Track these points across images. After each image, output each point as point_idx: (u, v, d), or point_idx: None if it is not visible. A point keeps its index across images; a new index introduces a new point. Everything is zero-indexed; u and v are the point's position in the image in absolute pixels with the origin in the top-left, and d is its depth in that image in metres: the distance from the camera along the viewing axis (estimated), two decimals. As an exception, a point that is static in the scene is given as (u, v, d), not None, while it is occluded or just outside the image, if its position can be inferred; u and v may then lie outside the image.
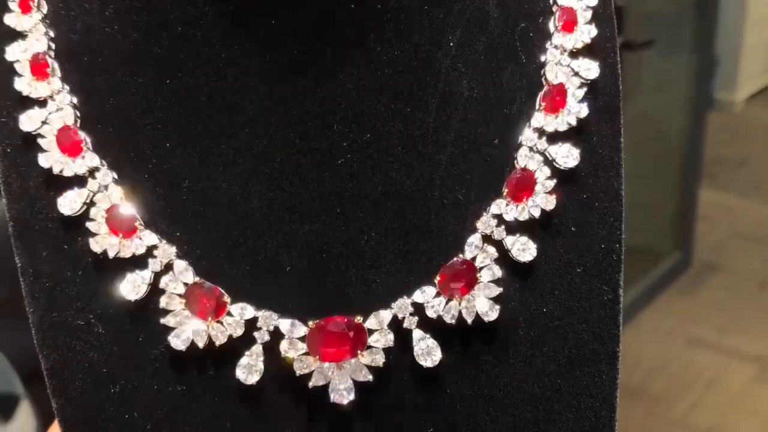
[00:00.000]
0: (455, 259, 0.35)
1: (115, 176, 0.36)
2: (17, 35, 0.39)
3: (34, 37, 0.39)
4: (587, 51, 0.39)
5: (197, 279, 0.35)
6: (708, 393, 2.26)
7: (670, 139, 2.86)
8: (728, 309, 2.67)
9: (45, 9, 0.39)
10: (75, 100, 0.37)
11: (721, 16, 3.28)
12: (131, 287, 0.35)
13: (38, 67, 0.38)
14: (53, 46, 0.38)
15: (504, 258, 0.36)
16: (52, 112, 0.37)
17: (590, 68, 0.38)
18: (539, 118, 0.37)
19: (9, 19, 0.40)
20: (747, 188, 3.64)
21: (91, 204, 0.36)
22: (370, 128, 0.36)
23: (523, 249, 0.36)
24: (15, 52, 0.39)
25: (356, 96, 0.36)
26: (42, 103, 0.38)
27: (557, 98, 0.37)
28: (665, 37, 2.65)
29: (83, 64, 0.38)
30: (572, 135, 0.37)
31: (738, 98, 4.83)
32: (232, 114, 0.36)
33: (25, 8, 0.39)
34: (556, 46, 0.39)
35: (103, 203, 0.36)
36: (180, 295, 0.35)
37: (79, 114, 0.37)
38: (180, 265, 0.35)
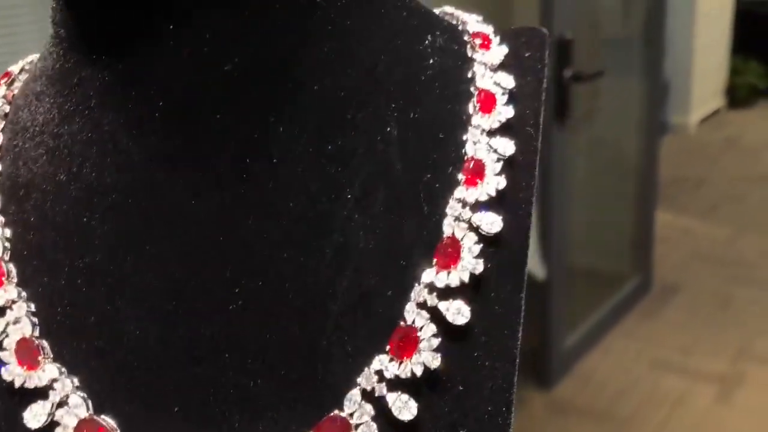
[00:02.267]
0: (331, 414, 0.35)
1: (31, 309, 0.38)
2: None
3: None
4: (495, 202, 0.38)
5: (88, 414, 0.36)
6: (674, 414, 2.27)
7: (625, 163, 2.91)
8: (690, 330, 2.70)
9: (0, 141, 0.42)
10: (8, 233, 0.40)
11: (670, 42, 3.36)
12: (33, 416, 0.36)
13: None
14: (7, 183, 0.41)
15: (384, 415, 0.35)
16: None
17: (493, 222, 0.37)
18: (430, 274, 0.36)
19: None
20: (704, 209, 3.71)
21: (4, 335, 0.37)
22: (263, 277, 0.36)
23: (403, 408, 0.34)
24: None
25: (252, 245, 0.37)
26: None
27: (452, 253, 0.37)
28: (616, 64, 2.70)
29: (19, 197, 0.40)
30: (466, 291, 0.36)
31: (692, 121, 4.93)
32: (138, 256, 0.38)
33: None
34: (458, 200, 0.38)
35: (15, 335, 0.37)
36: (72, 428, 0.36)
37: (7, 246, 0.39)
38: (75, 399, 0.36)
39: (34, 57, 0.46)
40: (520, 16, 2.60)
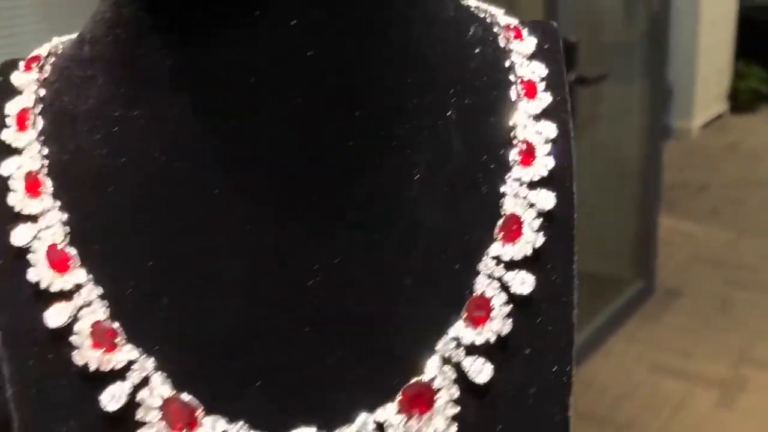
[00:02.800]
0: (415, 379, 0.37)
1: (100, 292, 0.38)
2: (12, 151, 0.41)
3: (29, 154, 0.41)
4: (545, 182, 0.41)
5: (173, 393, 0.36)
6: (675, 418, 2.27)
7: (628, 167, 2.91)
8: (692, 334, 2.70)
9: (40, 126, 0.42)
10: (65, 218, 0.39)
11: (674, 46, 3.36)
12: (111, 398, 0.36)
13: (31, 185, 0.40)
14: (46, 163, 0.41)
15: (462, 379, 0.37)
16: (42, 228, 0.39)
17: (546, 199, 0.41)
18: (497, 247, 0.39)
19: (5, 135, 0.42)
20: (706, 213, 3.71)
21: (75, 318, 0.37)
22: (339, 254, 0.38)
23: (480, 371, 0.37)
24: (9, 168, 0.41)
25: (327, 225, 0.39)
26: (33, 219, 0.39)
27: (514, 228, 0.40)
28: (619, 68, 2.70)
29: (73, 182, 0.40)
30: (528, 262, 0.39)
31: (694, 125, 4.92)
32: (211, 237, 0.38)
33: (21, 125, 0.42)
34: (514, 179, 0.41)
35: (87, 318, 0.37)
36: (156, 408, 0.36)
37: (68, 230, 0.39)
38: (157, 379, 0.36)
39: (58, 41, 0.46)
40: (524, 18, 2.59)
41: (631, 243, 2.96)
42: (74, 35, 0.45)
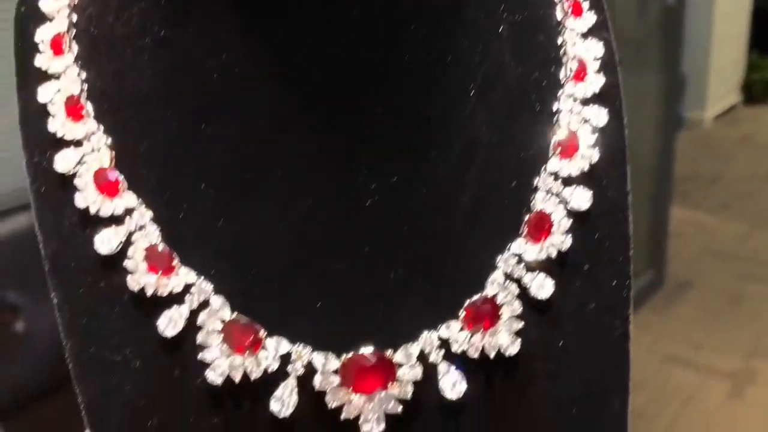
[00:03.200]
0: (478, 296, 0.37)
1: (152, 215, 0.37)
2: (48, 76, 0.40)
3: (68, 78, 0.39)
4: (597, 99, 0.41)
5: (234, 315, 0.35)
6: (685, 410, 2.27)
7: (641, 158, 2.89)
8: (703, 326, 2.69)
9: (75, 51, 0.40)
10: (109, 141, 0.38)
11: (688, 36, 3.33)
12: (168, 323, 0.35)
13: (73, 109, 0.38)
14: (86, 87, 0.39)
15: (523, 294, 0.37)
16: (87, 153, 0.38)
17: (600, 115, 0.41)
18: (555, 163, 0.39)
19: (39, 61, 0.40)
20: (718, 205, 3.69)
21: (127, 242, 0.36)
22: (398, 173, 0.38)
23: (541, 286, 0.37)
24: (47, 93, 0.39)
25: (384, 142, 0.38)
26: (77, 143, 0.38)
27: (572, 144, 0.40)
28: (633, 59, 2.69)
29: (116, 105, 0.39)
30: (584, 178, 0.40)
31: (707, 117, 4.90)
32: (264, 156, 0.37)
33: (57, 50, 0.40)
34: (568, 95, 0.41)
35: (142, 242, 0.36)
36: (217, 331, 0.35)
37: (113, 154, 0.38)
38: (216, 302, 0.36)
39: None
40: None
41: (643, 234, 2.95)
42: None
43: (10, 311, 1.38)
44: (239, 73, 0.38)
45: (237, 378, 0.35)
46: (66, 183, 0.38)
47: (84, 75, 0.39)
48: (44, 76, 0.40)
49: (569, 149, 0.40)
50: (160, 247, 0.36)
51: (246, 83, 0.37)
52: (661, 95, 2.80)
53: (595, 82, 0.42)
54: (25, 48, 0.41)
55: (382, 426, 0.35)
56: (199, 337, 0.35)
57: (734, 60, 5.16)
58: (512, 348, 0.36)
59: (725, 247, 3.27)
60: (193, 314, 0.36)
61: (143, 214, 0.37)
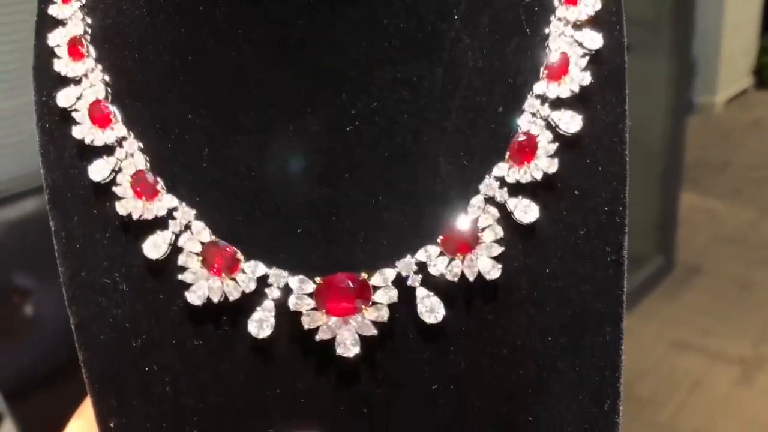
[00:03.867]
0: (458, 218, 0.36)
1: (141, 145, 0.38)
2: (59, 23, 0.42)
3: (73, 23, 0.42)
4: (591, 23, 0.40)
5: (213, 238, 0.37)
6: (693, 396, 2.27)
7: (651, 143, 2.88)
8: (711, 312, 2.68)
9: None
10: (107, 78, 0.40)
11: (699, 20, 3.31)
12: (153, 246, 0.37)
13: (74, 49, 0.41)
14: (89, 30, 0.41)
15: (507, 219, 0.37)
16: (86, 88, 0.40)
17: (594, 39, 0.40)
18: (542, 86, 0.38)
19: (52, 10, 0.43)
20: (728, 191, 3.67)
21: (118, 171, 0.38)
22: (378, 97, 0.37)
23: (525, 210, 0.37)
24: (56, 38, 0.42)
25: (364, 67, 0.38)
26: (77, 81, 0.40)
27: (560, 67, 0.39)
28: (644, 42, 2.67)
29: (115, 45, 0.41)
30: (575, 103, 0.38)
31: (718, 101, 4.87)
32: (248, 87, 0.38)
33: None
34: (560, 19, 0.40)
35: (129, 169, 0.38)
36: (197, 254, 0.37)
37: (110, 90, 0.40)
38: (198, 225, 0.37)
39: None
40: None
41: (652, 219, 2.94)
42: None
43: (20, 295, 1.38)
44: (224, 9, 0.38)
45: (215, 299, 0.36)
46: (67, 118, 0.40)
47: (89, 20, 0.42)
48: (55, 22, 0.42)
49: (557, 71, 0.39)
50: (145, 173, 0.38)
51: (229, 13, 0.38)
52: (671, 80, 2.78)
53: (591, 5, 0.40)
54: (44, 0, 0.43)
55: (357, 349, 0.35)
56: (180, 259, 0.37)
57: (746, 44, 5.12)
58: (493, 272, 0.36)
59: (735, 234, 3.26)
60: (177, 238, 0.37)
61: (132, 143, 0.39)
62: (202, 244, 0.37)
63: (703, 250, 3.12)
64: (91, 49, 0.41)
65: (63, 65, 0.41)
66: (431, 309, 0.36)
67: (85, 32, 0.41)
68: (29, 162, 1.63)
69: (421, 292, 0.36)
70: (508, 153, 0.37)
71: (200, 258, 0.37)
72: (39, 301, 1.39)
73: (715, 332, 2.56)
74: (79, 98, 0.40)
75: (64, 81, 0.41)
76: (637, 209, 2.93)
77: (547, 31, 0.40)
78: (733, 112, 4.84)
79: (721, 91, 4.89)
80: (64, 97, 0.40)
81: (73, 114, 0.40)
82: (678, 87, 2.81)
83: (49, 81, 0.41)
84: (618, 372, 0.38)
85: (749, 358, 2.43)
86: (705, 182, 3.73)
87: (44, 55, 0.42)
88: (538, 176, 0.37)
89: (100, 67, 0.40)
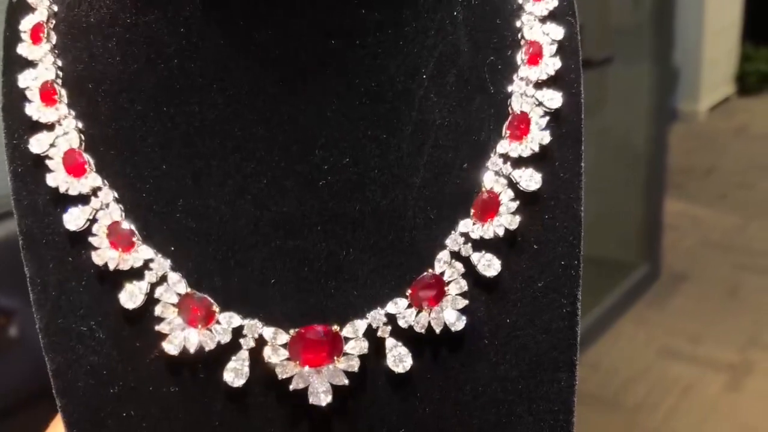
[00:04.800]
0: (425, 273, 0.38)
1: (116, 195, 0.39)
2: (28, 63, 0.42)
3: (44, 66, 0.42)
4: (552, 82, 0.42)
5: (189, 290, 0.38)
6: (683, 402, 2.27)
7: (634, 150, 2.89)
8: (699, 318, 2.69)
9: (54, 40, 0.43)
10: (80, 125, 0.40)
11: (681, 28, 3.33)
12: (129, 297, 0.38)
13: (47, 94, 0.41)
14: (60, 74, 0.42)
15: (471, 273, 0.39)
16: (59, 135, 0.40)
17: (553, 98, 0.41)
18: (504, 145, 0.40)
19: (21, 49, 0.43)
20: (713, 197, 3.69)
21: (93, 220, 0.39)
22: (349, 153, 0.39)
23: (488, 264, 0.39)
24: (26, 80, 0.42)
25: (336, 123, 0.39)
26: (50, 127, 0.41)
27: (521, 126, 0.41)
28: (625, 51, 2.68)
29: (88, 91, 0.41)
30: (535, 160, 0.40)
31: (701, 108, 4.90)
32: (223, 139, 0.39)
33: (36, 39, 0.43)
34: (521, 78, 0.42)
35: (105, 220, 0.39)
36: (173, 305, 0.38)
37: (83, 138, 0.40)
38: (173, 277, 0.38)
39: None
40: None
41: (637, 226, 2.95)
42: None
43: (3, 315, 1.37)
44: (199, 56, 0.40)
45: (192, 349, 0.37)
46: (39, 164, 0.40)
47: (60, 62, 0.42)
48: (25, 63, 0.42)
49: (519, 131, 0.40)
50: (121, 224, 0.39)
51: (205, 67, 0.40)
52: (653, 87, 2.80)
53: (552, 65, 0.42)
54: (11, 37, 0.44)
55: (329, 398, 0.37)
56: (157, 310, 0.38)
57: (727, 51, 5.15)
58: (458, 324, 0.38)
59: (721, 239, 3.27)
60: (153, 288, 0.38)
61: (108, 193, 0.39)
62: (179, 295, 0.38)
63: (689, 256, 3.13)
64: (63, 94, 0.41)
65: (35, 110, 0.41)
66: (400, 359, 0.37)
67: (57, 76, 0.42)
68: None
69: (390, 342, 0.38)
70: (472, 210, 0.39)
71: (176, 309, 0.38)
72: (24, 323, 1.38)
73: (703, 338, 2.57)
74: (52, 145, 0.40)
75: (36, 126, 0.41)
76: (621, 217, 2.94)
77: (509, 89, 0.41)
78: (716, 119, 4.87)
79: (704, 98, 4.92)
80: (36, 143, 0.40)
81: (47, 161, 0.40)
82: (660, 94, 2.83)
83: (20, 124, 0.41)
84: (572, 415, 0.40)
85: (737, 363, 2.43)
86: (690, 188, 3.75)
87: (14, 96, 0.42)
88: (501, 232, 0.39)
89: (73, 113, 0.41)
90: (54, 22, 0.43)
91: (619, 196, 2.86)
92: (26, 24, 0.44)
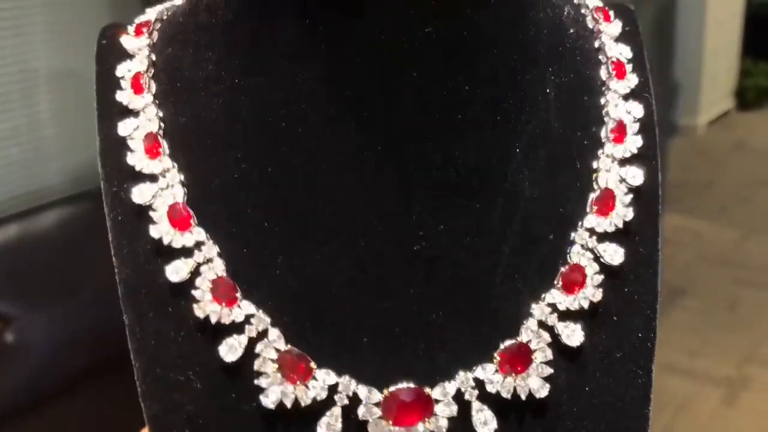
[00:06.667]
0: (513, 341, 0.40)
1: (219, 250, 0.40)
2: (128, 112, 0.44)
3: (146, 116, 0.43)
4: (634, 159, 0.44)
5: (288, 346, 0.39)
6: (680, 416, 2.27)
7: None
8: (698, 332, 2.69)
9: (153, 89, 0.44)
10: (183, 178, 0.42)
11: (681, 43, 3.34)
12: (229, 349, 0.39)
13: (151, 147, 0.42)
14: (162, 125, 0.43)
15: (555, 341, 0.40)
16: (162, 188, 0.41)
17: (636, 176, 0.44)
18: (591, 220, 0.42)
19: (121, 96, 0.44)
20: (712, 211, 3.69)
21: (195, 273, 0.40)
22: (444, 221, 0.41)
23: (572, 335, 0.40)
24: (127, 128, 0.43)
25: (433, 192, 0.41)
26: (153, 178, 0.42)
27: (608, 202, 0.43)
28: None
29: (190, 145, 0.43)
30: (618, 235, 0.42)
31: (700, 123, 4.91)
32: (325, 202, 0.41)
33: (138, 88, 0.44)
34: (608, 155, 0.44)
35: (208, 274, 0.40)
36: (272, 360, 0.38)
37: (186, 191, 0.41)
38: (273, 333, 0.39)
39: (162, 7, 0.48)
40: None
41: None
42: (177, 1, 0.47)
43: (1, 321, 1.37)
44: (307, 122, 0.41)
45: (288, 404, 0.38)
46: (141, 214, 0.41)
47: (161, 113, 0.43)
48: (125, 111, 0.44)
49: (605, 207, 0.43)
50: (225, 279, 0.40)
51: (311, 132, 0.41)
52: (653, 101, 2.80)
53: (634, 143, 0.44)
54: (107, 82, 0.45)
55: None
56: (256, 364, 0.38)
57: (727, 66, 5.17)
58: (542, 391, 0.39)
59: (720, 254, 3.28)
60: (252, 343, 0.39)
61: (211, 248, 0.40)
62: (277, 351, 0.39)
63: (688, 271, 3.13)
64: (166, 146, 0.42)
65: (137, 160, 0.42)
66: (485, 422, 0.38)
67: (160, 127, 0.43)
68: (11, 187, 1.62)
69: (477, 406, 0.39)
70: (560, 281, 0.41)
71: (275, 364, 0.38)
72: (22, 329, 1.38)
73: (702, 353, 2.56)
74: (155, 196, 0.41)
75: (139, 176, 0.42)
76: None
77: (594, 165, 0.44)
78: (715, 134, 4.89)
79: (703, 113, 4.93)
80: (139, 194, 0.41)
81: (150, 212, 0.41)
82: (660, 108, 2.83)
83: (120, 172, 0.42)
84: None
85: (735, 378, 2.43)
86: (689, 202, 3.76)
87: (113, 144, 0.43)
88: (585, 305, 0.41)
89: (176, 166, 0.42)
90: (153, 71, 0.44)
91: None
92: (124, 70, 0.45)
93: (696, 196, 3.87)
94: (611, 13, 0.49)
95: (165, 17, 0.47)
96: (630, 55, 0.48)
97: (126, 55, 0.45)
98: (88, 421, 1.40)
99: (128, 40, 0.46)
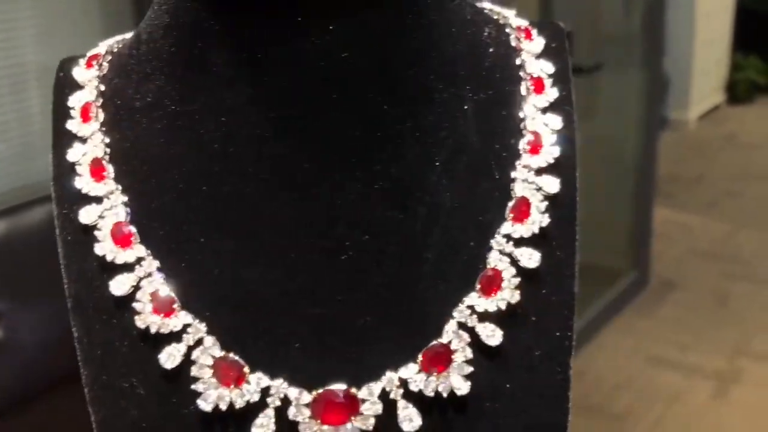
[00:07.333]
0: (435, 342, 0.42)
1: (158, 265, 0.43)
2: (77, 139, 0.47)
3: (93, 143, 0.47)
4: (551, 168, 0.47)
5: (222, 353, 0.42)
6: (670, 410, 2.28)
7: (624, 158, 2.90)
8: (688, 326, 2.70)
9: (101, 118, 0.47)
10: (125, 199, 0.45)
11: (671, 37, 3.35)
12: (168, 357, 0.42)
13: (96, 171, 0.46)
14: (108, 151, 0.46)
15: (476, 342, 0.43)
16: (107, 209, 0.45)
17: (551, 184, 0.46)
18: (507, 227, 0.45)
19: (71, 125, 0.48)
20: (703, 205, 3.71)
21: (137, 287, 0.43)
22: (369, 231, 0.44)
23: (492, 335, 0.43)
24: (76, 155, 0.47)
25: (359, 205, 0.44)
26: (98, 200, 0.45)
27: (523, 209, 0.45)
28: (615, 59, 2.69)
29: (133, 168, 0.46)
30: (535, 240, 0.45)
31: (691, 117, 4.92)
32: (256, 217, 0.44)
33: (85, 117, 0.48)
34: (524, 166, 0.47)
35: (148, 287, 0.43)
36: (209, 366, 0.41)
37: (128, 211, 0.45)
38: (209, 340, 0.42)
39: (113, 40, 0.51)
40: (520, 8, 2.58)
41: (626, 234, 2.96)
42: (128, 35, 0.50)
43: (-10, 318, 1.36)
44: (238, 143, 0.44)
45: (224, 407, 0.41)
46: (88, 233, 0.45)
47: (107, 140, 0.47)
48: (74, 139, 0.47)
49: (521, 214, 0.45)
50: (164, 292, 0.43)
51: (242, 153, 0.44)
52: (643, 95, 2.81)
53: (550, 153, 0.47)
54: (60, 112, 0.49)
55: None
56: (193, 370, 0.41)
57: (717, 60, 5.18)
58: (463, 389, 0.42)
59: (710, 247, 3.29)
60: (190, 350, 0.42)
61: (151, 263, 0.43)
62: (213, 357, 0.41)
63: (678, 264, 3.14)
64: (111, 170, 0.46)
65: (84, 183, 0.46)
66: (410, 419, 0.41)
67: (105, 153, 0.46)
68: (0, 183, 1.62)
69: (402, 403, 0.41)
70: (479, 285, 0.43)
71: (211, 370, 0.41)
72: (10, 325, 1.37)
73: (692, 346, 2.57)
74: (100, 216, 0.45)
75: (86, 198, 0.45)
76: (611, 224, 2.95)
77: (513, 175, 0.46)
78: (705, 128, 4.90)
79: (694, 107, 4.95)
80: (86, 215, 0.45)
81: (95, 232, 0.44)
82: (650, 103, 2.84)
83: (69, 196, 0.46)
84: None
85: (725, 372, 2.44)
86: (679, 196, 3.77)
87: (64, 169, 0.47)
88: (503, 306, 0.43)
89: (119, 188, 0.45)
90: (102, 100, 0.48)
91: (608, 204, 2.87)
92: (75, 101, 0.48)
93: (686, 191, 3.88)
94: (534, 31, 0.51)
95: (115, 49, 0.50)
96: (552, 70, 0.50)
97: (77, 86, 0.49)
98: (77, 417, 1.39)
99: (80, 72, 0.49)
